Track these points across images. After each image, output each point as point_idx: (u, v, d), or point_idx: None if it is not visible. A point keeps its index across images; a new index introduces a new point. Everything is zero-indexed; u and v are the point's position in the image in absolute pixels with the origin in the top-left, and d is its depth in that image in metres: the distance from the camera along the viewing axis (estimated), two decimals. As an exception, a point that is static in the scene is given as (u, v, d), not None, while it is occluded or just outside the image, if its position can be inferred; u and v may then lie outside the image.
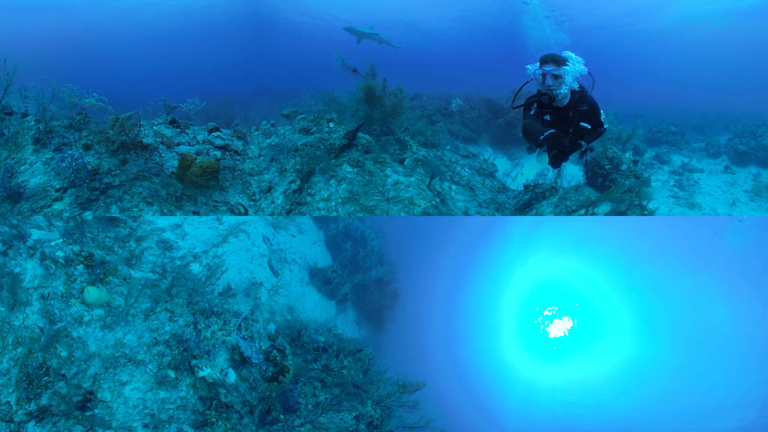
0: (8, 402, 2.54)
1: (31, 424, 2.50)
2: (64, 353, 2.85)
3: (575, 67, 4.50)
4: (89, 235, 4.19)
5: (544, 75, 4.51)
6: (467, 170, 5.82)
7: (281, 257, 9.76)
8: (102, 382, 2.82)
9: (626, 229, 16.66)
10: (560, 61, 4.52)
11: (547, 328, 19.33)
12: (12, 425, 2.39)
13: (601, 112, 4.80)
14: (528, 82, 4.78)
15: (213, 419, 2.93)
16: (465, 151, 7.47)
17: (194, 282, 4.58)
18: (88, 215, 3.59)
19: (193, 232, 6.91)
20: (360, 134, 5.36)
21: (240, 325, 4.15)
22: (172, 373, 3.12)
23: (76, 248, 3.70)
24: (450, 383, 17.17)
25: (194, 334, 3.62)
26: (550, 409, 16.80)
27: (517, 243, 19.03)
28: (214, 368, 3.44)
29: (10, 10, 31.17)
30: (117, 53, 36.83)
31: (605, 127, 4.87)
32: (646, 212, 4.12)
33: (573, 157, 5.05)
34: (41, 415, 2.51)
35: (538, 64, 4.58)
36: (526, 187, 5.32)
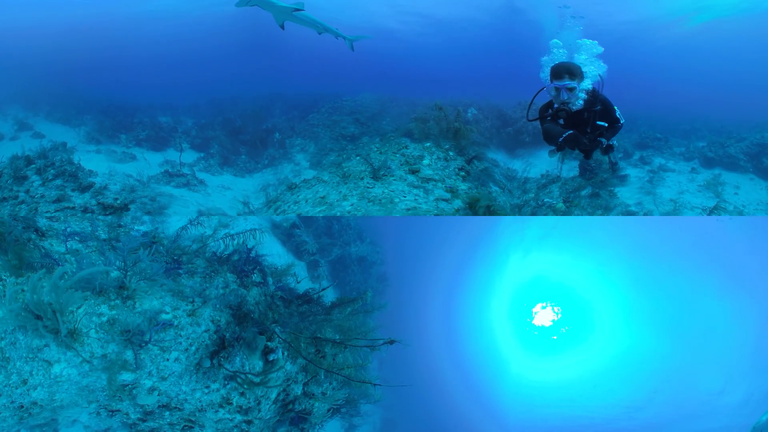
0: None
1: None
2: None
3: (590, 71, 4.51)
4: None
5: (558, 90, 4.46)
6: (502, 177, 8.05)
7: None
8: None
9: (626, 228, 17.57)
10: (575, 74, 4.41)
11: (539, 323, 19.36)
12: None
13: (615, 108, 4.77)
14: (540, 91, 4.80)
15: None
16: (492, 161, 9.52)
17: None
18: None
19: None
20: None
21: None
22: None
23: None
24: (448, 375, 17.83)
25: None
26: (542, 399, 17.19)
27: (517, 240, 19.11)
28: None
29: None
30: (134, 57, 36.18)
31: (622, 122, 4.84)
32: (612, 195, 6.21)
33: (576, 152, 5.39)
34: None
35: (549, 75, 4.53)
36: (543, 176, 7.53)
